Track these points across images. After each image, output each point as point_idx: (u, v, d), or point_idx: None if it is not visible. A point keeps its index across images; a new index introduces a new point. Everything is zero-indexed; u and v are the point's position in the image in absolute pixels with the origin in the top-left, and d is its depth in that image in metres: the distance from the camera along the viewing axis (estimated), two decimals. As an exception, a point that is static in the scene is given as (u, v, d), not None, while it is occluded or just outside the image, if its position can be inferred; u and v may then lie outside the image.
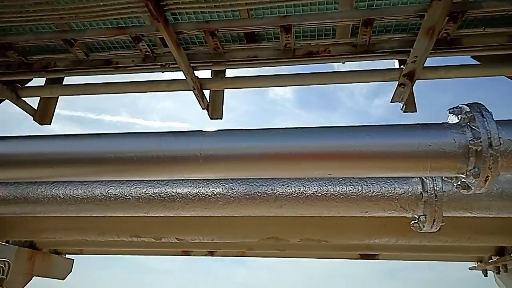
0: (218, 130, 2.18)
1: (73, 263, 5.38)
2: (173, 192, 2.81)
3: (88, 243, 4.79)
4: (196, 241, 3.90)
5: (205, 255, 4.74)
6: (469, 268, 4.70)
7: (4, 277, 4.00)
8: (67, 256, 5.33)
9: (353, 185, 2.55)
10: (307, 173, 2.13)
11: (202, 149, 2.05)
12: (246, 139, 2.08)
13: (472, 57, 3.29)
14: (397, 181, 2.56)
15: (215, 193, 2.75)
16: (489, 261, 4.31)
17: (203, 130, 2.19)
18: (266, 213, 2.73)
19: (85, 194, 2.91)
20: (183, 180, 2.81)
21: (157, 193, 2.84)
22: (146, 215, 2.96)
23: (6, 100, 3.79)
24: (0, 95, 3.68)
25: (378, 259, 4.59)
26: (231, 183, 2.73)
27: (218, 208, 2.75)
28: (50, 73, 3.68)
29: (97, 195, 2.90)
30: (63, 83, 3.95)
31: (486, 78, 3.23)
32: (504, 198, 2.44)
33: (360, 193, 2.54)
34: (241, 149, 2.06)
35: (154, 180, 2.87)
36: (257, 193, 2.66)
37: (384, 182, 2.56)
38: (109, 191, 2.89)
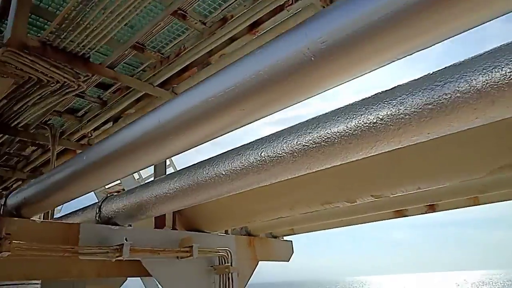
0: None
1: (292, 244, 5.35)
2: (326, 133, 2.13)
3: (295, 221, 4.62)
4: (400, 194, 3.04)
5: (425, 213, 3.73)
6: None
7: (229, 264, 4.23)
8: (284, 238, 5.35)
9: None
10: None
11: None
12: None
13: None
14: None
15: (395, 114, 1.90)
16: None
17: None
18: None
19: (242, 164, 2.61)
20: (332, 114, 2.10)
21: (310, 140, 2.23)
22: (310, 170, 2.39)
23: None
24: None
25: None
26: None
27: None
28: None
29: (253, 162, 2.54)
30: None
31: None
32: None
33: None
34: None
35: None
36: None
37: None
38: (262, 154, 2.48)
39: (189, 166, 3.08)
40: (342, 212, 4.01)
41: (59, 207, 10.53)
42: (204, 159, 2.98)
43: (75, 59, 3.28)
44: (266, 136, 2.55)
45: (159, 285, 7.85)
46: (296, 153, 2.30)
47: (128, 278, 6.44)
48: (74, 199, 2.95)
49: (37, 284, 5.01)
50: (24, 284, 4.86)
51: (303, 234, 5.57)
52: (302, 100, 1.75)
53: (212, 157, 2.92)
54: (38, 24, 3.35)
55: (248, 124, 1.82)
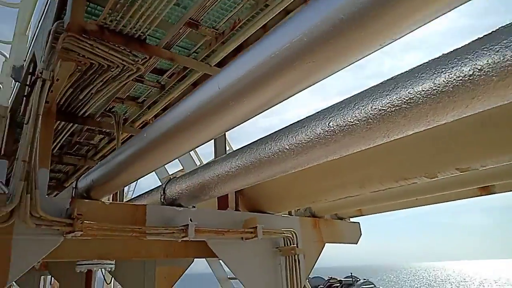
0: None
1: (359, 226, 5.06)
2: (408, 93, 1.83)
3: (363, 201, 4.32)
4: (491, 166, 2.63)
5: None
6: None
7: (295, 245, 4.08)
8: (351, 220, 5.06)
9: None
10: None
11: None
12: None
13: None
14: None
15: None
16: None
17: None
18: None
19: (307, 137, 2.39)
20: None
21: (387, 103, 1.95)
22: (388, 138, 2.11)
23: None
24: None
25: None
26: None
27: None
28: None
29: (320, 133, 2.31)
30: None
31: None
32: None
33: None
34: None
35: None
36: None
37: None
38: (330, 124, 2.24)
39: (250, 143, 2.93)
40: (419, 189, 3.63)
41: (130, 191, 11.13)
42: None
43: (132, 42, 3.26)
44: (334, 104, 2.31)
45: (225, 266, 7.95)
46: (371, 119, 2.03)
47: (194, 259, 6.60)
48: (138, 179, 2.96)
49: (112, 264, 5.26)
50: (100, 264, 5.13)
51: (361, 217, 5.22)
52: (374, 51, 1.47)
53: (275, 132, 2.74)
54: (91, 11, 3.36)
55: (318, 81, 1.58)
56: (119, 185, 3.08)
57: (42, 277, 15.31)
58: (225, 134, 4.54)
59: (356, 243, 5.01)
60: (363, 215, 4.89)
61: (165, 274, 6.17)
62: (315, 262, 4.51)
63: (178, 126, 2.05)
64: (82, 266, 4.95)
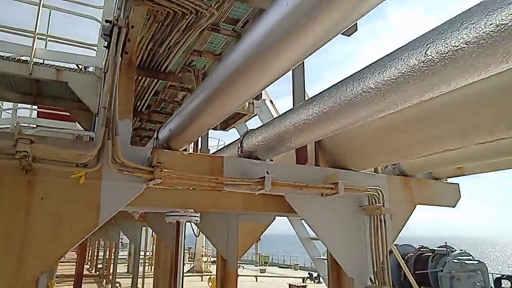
0: None
1: (458, 187, 4.45)
2: None
3: (462, 157, 3.74)
4: None
5: None
6: None
7: (381, 204, 3.73)
8: (449, 180, 4.48)
9: None
10: None
11: None
12: None
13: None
14: None
15: None
16: None
17: None
18: None
19: (398, 71, 2.01)
20: None
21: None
22: (510, 65, 1.64)
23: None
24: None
25: None
26: None
27: None
28: None
29: (414, 65, 1.91)
30: None
31: None
32: None
33: None
34: None
35: None
36: None
37: None
38: (428, 52, 1.83)
39: (330, 87, 2.63)
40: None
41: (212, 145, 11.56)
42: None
43: (204, -16, 3.11)
44: (434, 28, 1.88)
45: (307, 226, 7.89)
46: (484, 39, 1.58)
47: (276, 217, 6.63)
48: (212, 126, 2.88)
49: (197, 216, 5.50)
50: (187, 215, 5.39)
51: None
52: None
53: (358, 71, 2.39)
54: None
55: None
56: (195, 133, 3.05)
57: (144, 228, 17.20)
58: (304, 83, 4.24)
59: (454, 206, 4.43)
60: (464, 175, 4.27)
61: (248, 230, 6.31)
62: (404, 225, 4.11)
63: (249, 59, 1.84)
64: (170, 217, 5.24)
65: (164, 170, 2.85)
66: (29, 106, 9.24)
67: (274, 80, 1.99)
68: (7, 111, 9.07)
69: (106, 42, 2.91)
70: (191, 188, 3.25)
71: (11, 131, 3.98)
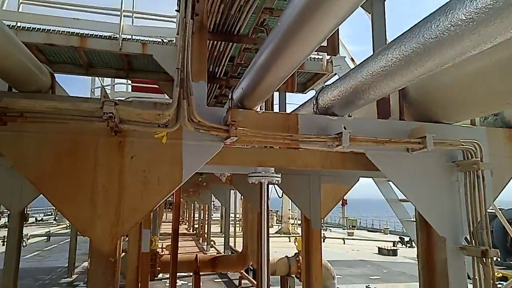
0: None
1: None
2: None
3: None
4: None
5: None
6: None
7: (478, 159, 3.32)
8: None
9: None
10: None
11: None
12: None
13: None
14: None
15: None
16: None
17: None
18: None
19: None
20: None
21: None
22: None
23: None
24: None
25: None
26: None
27: None
28: None
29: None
30: None
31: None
32: None
33: None
34: None
35: None
36: None
37: None
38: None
39: (411, 27, 2.34)
40: None
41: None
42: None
43: None
44: None
45: (395, 188, 7.51)
46: None
47: (361, 179, 6.41)
48: (283, 79, 2.80)
49: (278, 177, 5.57)
50: (268, 176, 5.50)
51: None
52: None
53: (444, 4, 2.06)
54: None
55: None
56: (268, 89, 3.00)
57: (232, 191, 18.22)
58: (385, 30, 3.86)
59: None
60: None
61: (330, 191, 6.23)
62: (507, 183, 3.63)
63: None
64: (252, 178, 5.40)
65: (239, 128, 2.89)
66: (124, 81, 10.19)
67: (343, 19, 1.82)
68: (107, 87, 10.05)
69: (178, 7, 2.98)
70: (267, 147, 3.27)
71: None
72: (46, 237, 27.00)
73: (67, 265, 14.55)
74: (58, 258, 18.18)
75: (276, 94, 6.43)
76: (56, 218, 41.18)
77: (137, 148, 2.89)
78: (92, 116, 2.50)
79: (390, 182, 8.15)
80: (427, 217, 3.39)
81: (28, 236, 25.91)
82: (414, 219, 4.57)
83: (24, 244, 21.54)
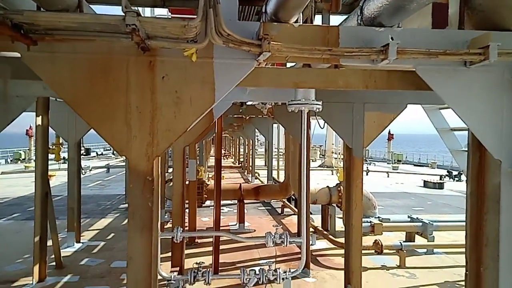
0: None
1: None
2: None
3: None
4: None
5: None
6: None
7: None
8: None
9: None
10: None
11: None
12: None
13: None
14: None
15: None
16: None
17: None
18: None
19: None
20: None
21: None
22: None
23: None
24: None
25: None
26: None
27: None
28: None
29: None
30: None
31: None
32: None
33: None
34: None
35: None
36: None
37: None
38: None
39: None
40: None
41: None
42: None
43: None
44: None
45: (446, 115, 6.99)
46: None
47: (407, 104, 5.98)
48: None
49: (319, 104, 5.33)
50: (308, 103, 5.27)
51: None
52: None
53: None
54: None
55: None
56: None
57: (275, 125, 18.23)
58: None
59: None
60: None
61: (374, 119, 5.91)
62: None
63: None
64: (292, 106, 5.21)
65: (272, 42, 2.66)
66: (164, 12, 10.01)
67: None
68: (145, 18, 9.93)
69: None
70: (305, 66, 3.02)
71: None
72: (106, 169, 29.42)
73: (124, 193, 15.85)
74: (116, 187, 19.79)
75: (318, 18, 5.91)
76: (114, 152, 44.45)
77: (168, 67, 2.78)
78: (117, 32, 2.38)
79: (442, 110, 7.60)
80: (483, 139, 3.08)
81: (90, 168, 28.45)
82: (466, 148, 4.23)
83: (83, 172, 23.73)
